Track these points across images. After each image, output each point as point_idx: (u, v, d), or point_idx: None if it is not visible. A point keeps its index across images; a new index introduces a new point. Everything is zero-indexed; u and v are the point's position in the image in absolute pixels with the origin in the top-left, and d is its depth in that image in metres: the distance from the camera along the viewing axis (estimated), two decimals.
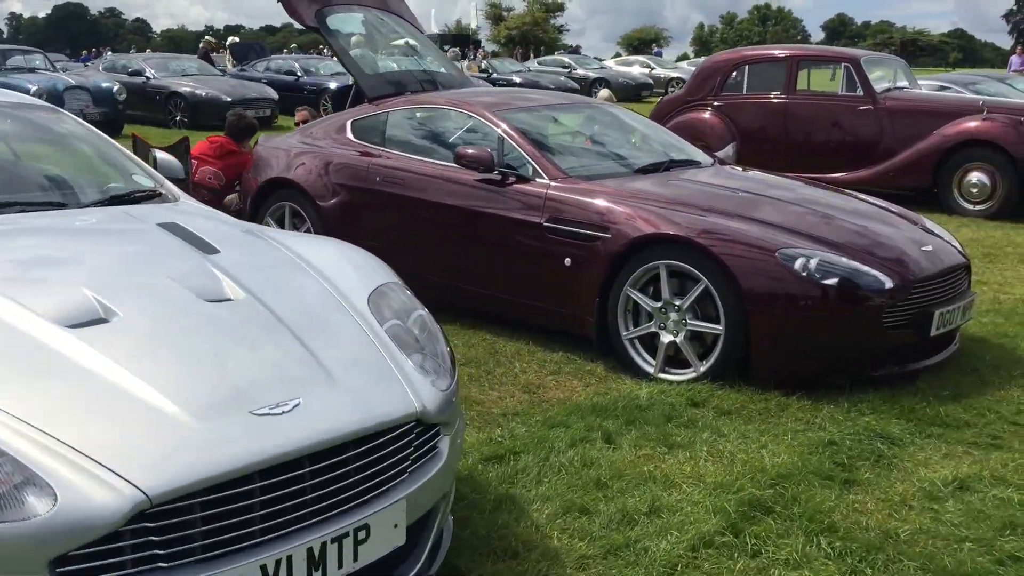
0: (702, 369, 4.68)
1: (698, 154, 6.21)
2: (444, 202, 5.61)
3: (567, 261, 5.06)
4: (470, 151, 5.43)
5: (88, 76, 17.41)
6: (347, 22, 7.12)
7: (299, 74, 21.37)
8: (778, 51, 11.76)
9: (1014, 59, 24.64)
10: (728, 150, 11.35)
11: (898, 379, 4.70)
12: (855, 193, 5.90)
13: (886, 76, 11.33)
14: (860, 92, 10.81)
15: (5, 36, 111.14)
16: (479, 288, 5.58)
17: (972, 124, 10.06)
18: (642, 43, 66.21)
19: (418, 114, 6.19)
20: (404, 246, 5.89)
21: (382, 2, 7.42)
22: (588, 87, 27.37)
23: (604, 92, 12.99)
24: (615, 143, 6.24)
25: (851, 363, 4.65)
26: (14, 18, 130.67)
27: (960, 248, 5.30)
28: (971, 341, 5.50)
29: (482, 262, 5.54)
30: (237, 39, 31.02)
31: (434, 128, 6.09)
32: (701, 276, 4.60)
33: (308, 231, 6.19)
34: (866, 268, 4.56)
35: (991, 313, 6.14)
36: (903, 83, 11.59)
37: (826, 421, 4.25)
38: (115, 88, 16.30)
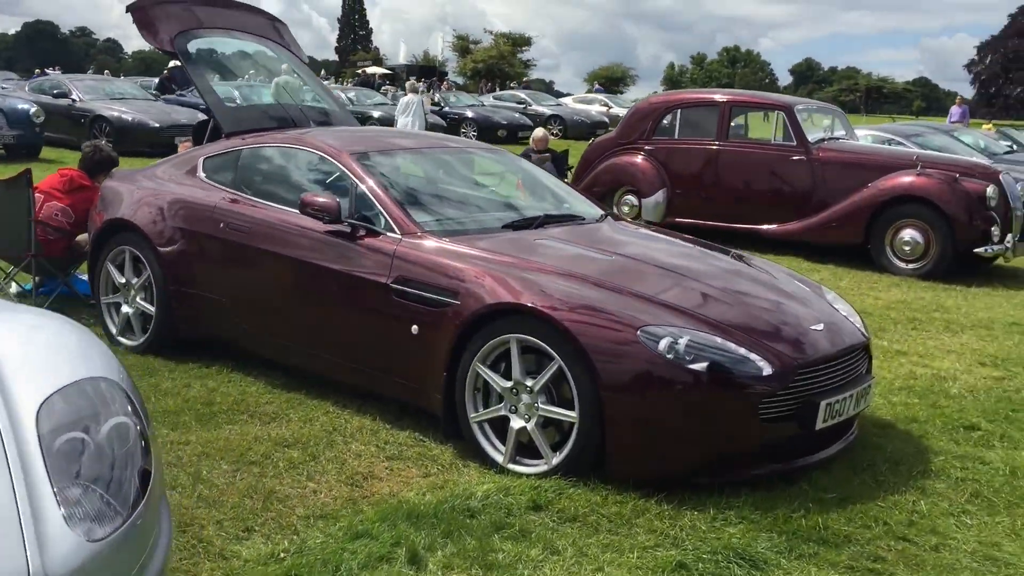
0: (554, 462, 4.04)
1: (585, 207, 5.60)
2: (289, 255, 4.97)
3: (414, 329, 4.43)
4: (318, 199, 4.80)
5: (5, 97, 16.61)
6: (213, 49, 6.49)
7: (238, 101, 20.64)
8: (712, 96, 11.27)
9: (954, 110, 24.58)
10: (658, 196, 10.87)
11: (780, 478, 4.09)
12: (752, 258, 5.32)
13: (822, 126, 10.88)
14: (794, 141, 10.33)
15: None
16: (327, 354, 4.93)
17: (906, 179, 9.60)
18: (609, 80, 66.20)
19: (272, 153, 5.54)
20: (249, 303, 5.24)
21: (263, 30, 6.78)
22: (544, 123, 26.91)
23: (539, 131, 12.41)
24: (484, 193, 5.61)
25: (724, 461, 4.03)
26: None
27: (861, 326, 4.72)
28: (875, 427, 4.92)
29: (330, 325, 4.89)
30: (179, 63, 30.09)
31: (288, 170, 5.45)
32: (554, 354, 3.98)
33: (149, 280, 5.51)
34: (743, 351, 3.97)
35: (903, 392, 5.58)
36: (840, 133, 11.15)
37: (685, 533, 3.62)
38: (32, 110, 15.53)
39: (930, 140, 13.34)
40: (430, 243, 4.58)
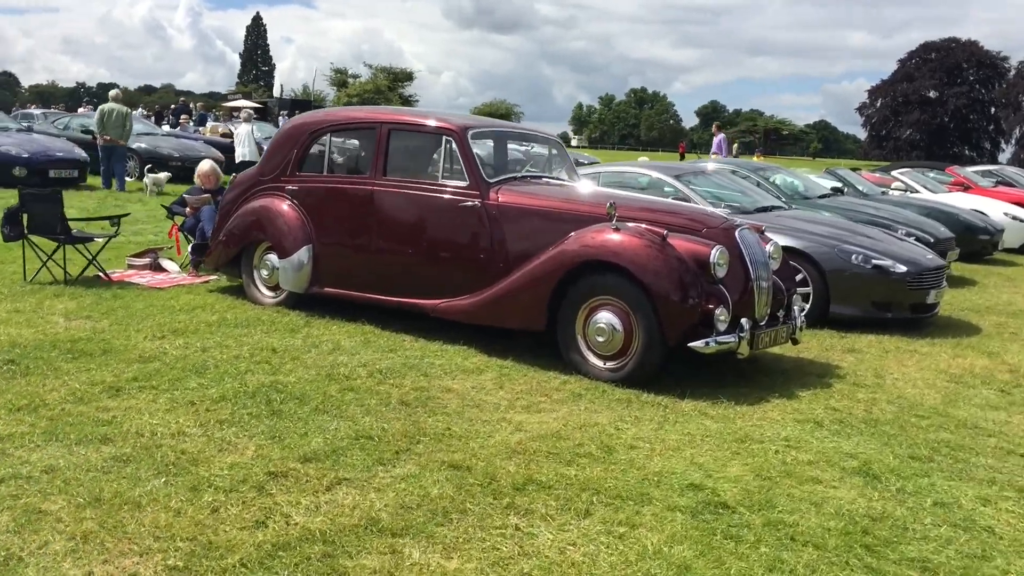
0: None
1: None
2: None
3: None
4: None
5: None
6: None
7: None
8: (369, 115, 8.13)
9: (717, 139, 22.64)
10: (301, 255, 7.65)
11: None
12: None
13: (519, 159, 7.83)
14: (465, 180, 7.23)
15: None
16: None
17: (594, 237, 6.55)
18: (491, 117, 63.50)
19: None
20: None
21: None
22: None
23: (205, 165, 9.18)
24: None
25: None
26: None
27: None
28: None
29: None
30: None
31: None
32: None
33: None
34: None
35: None
36: (558, 169, 8.12)
37: None
38: None
39: (714, 179, 10.43)
40: None
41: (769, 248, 7.03)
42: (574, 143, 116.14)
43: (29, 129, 19.01)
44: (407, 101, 62.98)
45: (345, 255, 7.75)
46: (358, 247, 7.66)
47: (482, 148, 7.85)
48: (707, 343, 6.18)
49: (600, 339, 6.44)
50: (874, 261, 8.91)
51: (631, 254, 6.31)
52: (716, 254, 6.37)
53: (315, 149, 8.03)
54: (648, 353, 6.29)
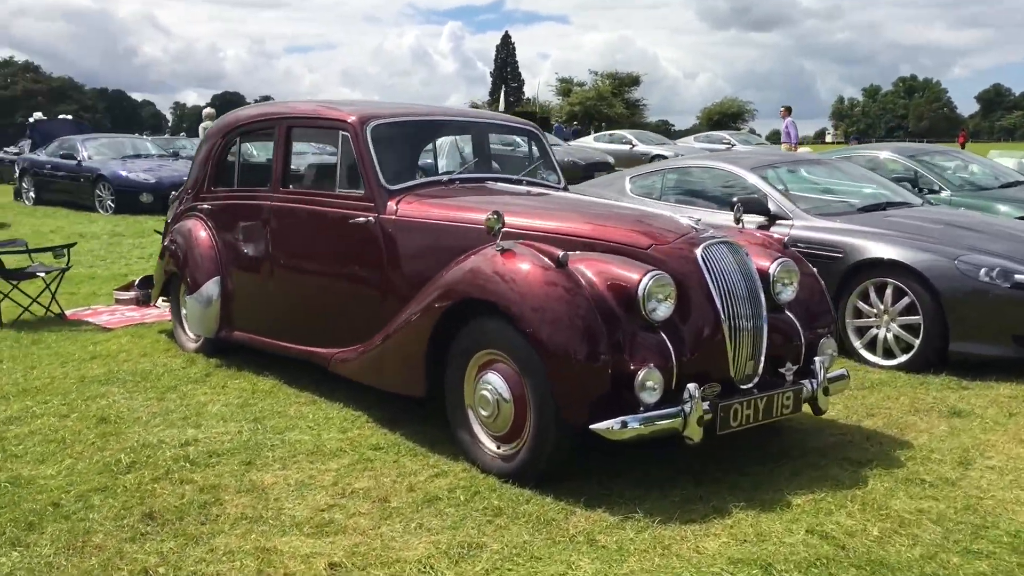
0: None
1: None
2: None
3: None
4: None
5: None
6: None
7: (79, 158, 17.24)
8: (271, 111, 6.37)
9: (785, 125, 20.52)
10: (210, 290, 6.13)
11: None
12: None
13: (455, 152, 5.91)
14: (360, 188, 5.39)
15: (171, 123, 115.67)
16: None
17: (472, 265, 4.51)
18: (724, 117, 60.30)
19: None
20: None
21: None
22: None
23: None
24: None
25: None
26: (178, 107, 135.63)
27: None
28: None
29: None
30: (41, 115, 27.20)
31: None
32: None
33: None
34: None
35: None
36: (546, 171, 6.11)
37: None
38: None
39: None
40: None
41: (774, 270, 4.68)
42: (828, 139, 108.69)
43: (175, 155, 18.85)
44: (632, 106, 61.00)
45: (251, 290, 6.10)
46: (262, 280, 6.00)
47: (445, 146, 5.99)
48: (622, 424, 3.97)
49: (484, 412, 4.39)
50: (1017, 276, 6.17)
51: (506, 289, 4.22)
52: (647, 284, 4.16)
53: (229, 157, 6.45)
54: (543, 437, 4.18)
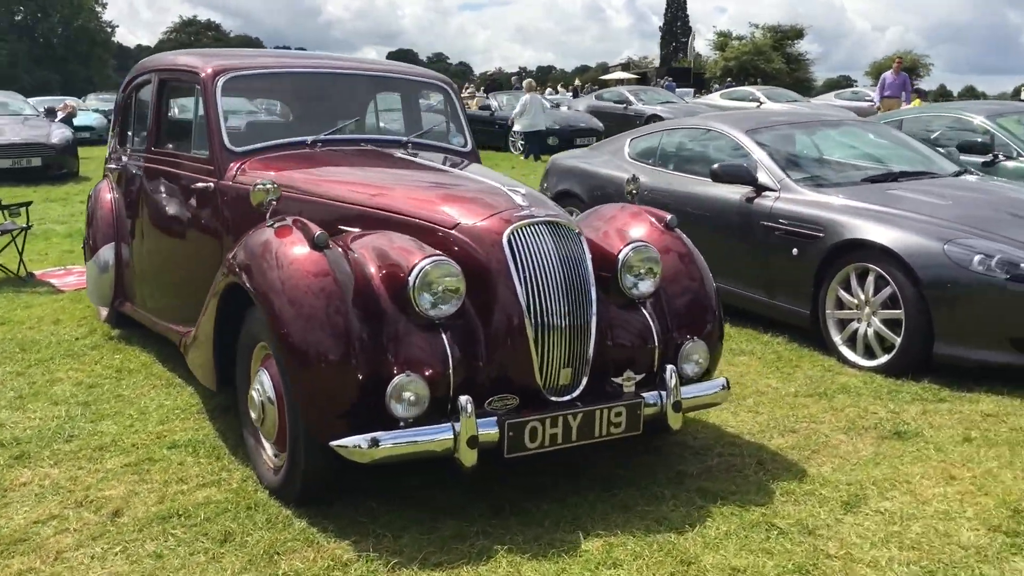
0: None
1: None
2: None
3: None
4: None
5: None
6: None
7: None
8: (152, 61, 5.79)
9: (890, 78, 18.13)
10: (105, 255, 5.77)
11: None
12: None
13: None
14: (205, 150, 4.81)
15: None
16: None
17: (242, 244, 3.87)
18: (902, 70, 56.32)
19: None
20: None
21: None
22: (644, 122, 20.91)
23: None
24: None
25: None
26: None
27: None
28: None
29: None
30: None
31: None
32: None
33: None
34: None
35: None
36: (456, 134, 5.41)
37: None
38: None
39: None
40: None
41: (625, 257, 3.83)
42: None
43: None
44: (794, 61, 58.00)
45: (131, 260, 5.66)
46: (136, 249, 5.56)
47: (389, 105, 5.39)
48: (372, 442, 3.27)
49: (253, 414, 3.77)
50: (1023, 266, 5.03)
51: (257, 273, 3.56)
52: (419, 274, 3.41)
53: (129, 114, 5.99)
54: (295, 449, 3.54)
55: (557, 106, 23.81)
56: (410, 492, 3.72)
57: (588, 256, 3.67)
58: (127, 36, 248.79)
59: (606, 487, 3.80)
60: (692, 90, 41.74)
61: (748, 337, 6.09)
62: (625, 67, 64.04)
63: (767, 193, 6.14)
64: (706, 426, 4.52)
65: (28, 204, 7.62)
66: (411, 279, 3.41)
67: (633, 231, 4.14)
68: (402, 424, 3.31)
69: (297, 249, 3.50)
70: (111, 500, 3.69)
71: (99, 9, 74.58)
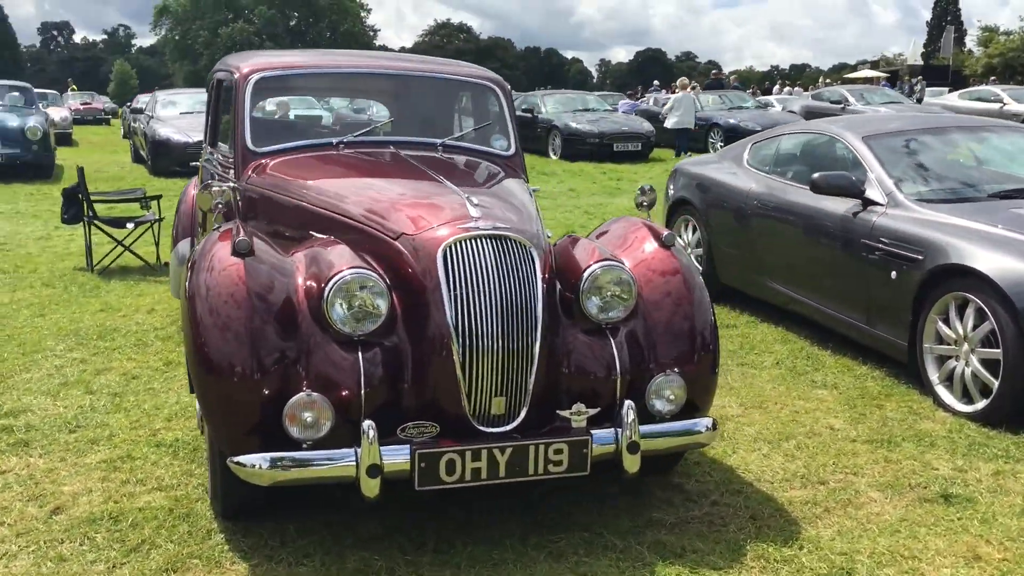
0: None
1: None
2: None
3: None
4: None
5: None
6: None
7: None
8: (221, 63, 5.81)
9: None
10: (182, 246, 5.98)
11: None
12: None
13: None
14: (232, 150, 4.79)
15: (595, 80, 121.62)
16: None
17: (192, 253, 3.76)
18: None
19: None
20: None
21: None
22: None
23: None
24: None
25: None
26: (604, 64, 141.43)
27: None
28: None
29: None
30: None
31: None
32: None
33: None
34: None
35: None
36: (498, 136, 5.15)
37: None
38: (27, 126, 14.44)
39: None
40: None
41: (588, 278, 3.44)
42: None
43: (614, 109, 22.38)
44: None
45: None
46: None
47: None
48: (270, 463, 3.08)
49: (199, 422, 3.68)
50: None
51: (190, 277, 3.44)
52: (332, 288, 3.19)
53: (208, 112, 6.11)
54: (213, 463, 3.42)
55: (765, 106, 22.87)
56: (345, 516, 3.50)
57: (539, 275, 3.30)
58: (392, 39, 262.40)
59: (554, 529, 3.42)
60: (947, 89, 38.67)
61: (840, 368, 5.41)
62: (874, 65, 60.43)
63: (873, 207, 5.43)
64: (720, 468, 4.01)
65: (159, 197, 8.02)
66: (324, 294, 3.18)
67: (619, 248, 3.71)
68: (305, 446, 3.10)
69: (221, 255, 3.36)
70: (59, 497, 3.71)
71: (364, 14, 79.23)
